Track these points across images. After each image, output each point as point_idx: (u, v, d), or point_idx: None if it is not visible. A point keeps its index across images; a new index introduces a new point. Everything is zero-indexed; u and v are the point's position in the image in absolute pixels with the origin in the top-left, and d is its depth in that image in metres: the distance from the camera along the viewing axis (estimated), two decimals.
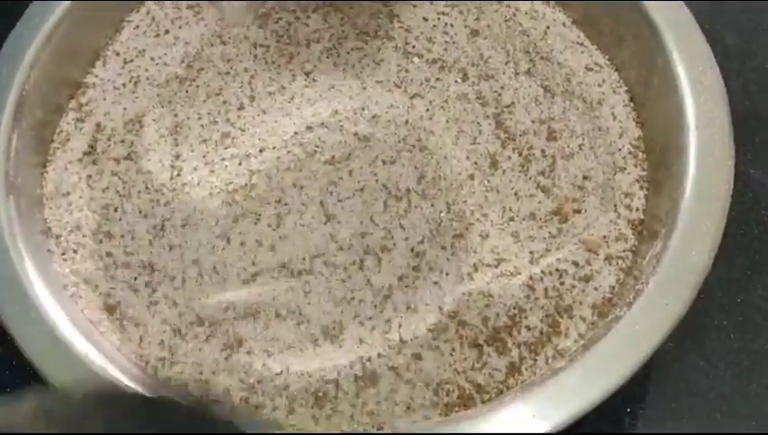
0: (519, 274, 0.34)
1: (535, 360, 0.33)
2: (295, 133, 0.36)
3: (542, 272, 0.34)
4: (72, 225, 0.36)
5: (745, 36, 0.44)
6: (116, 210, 0.36)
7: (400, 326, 0.33)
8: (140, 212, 0.36)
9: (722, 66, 0.36)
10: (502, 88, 0.39)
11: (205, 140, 0.37)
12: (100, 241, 0.35)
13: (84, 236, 0.35)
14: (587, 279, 0.34)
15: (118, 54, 0.40)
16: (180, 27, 0.41)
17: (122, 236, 0.35)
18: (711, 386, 0.36)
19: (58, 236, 0.35)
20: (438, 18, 0.40)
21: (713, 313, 0.38)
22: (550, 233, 0.35)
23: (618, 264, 0.34)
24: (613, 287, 0.34)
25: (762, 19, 0.44)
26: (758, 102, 0.42)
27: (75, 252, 0.35)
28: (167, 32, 0.40)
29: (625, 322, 0.31)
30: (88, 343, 0.32)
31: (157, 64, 0.39)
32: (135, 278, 0.34)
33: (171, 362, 0.33)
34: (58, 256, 0.35)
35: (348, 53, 0.40)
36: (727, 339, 0.37)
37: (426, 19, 0.40)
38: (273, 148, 0.36)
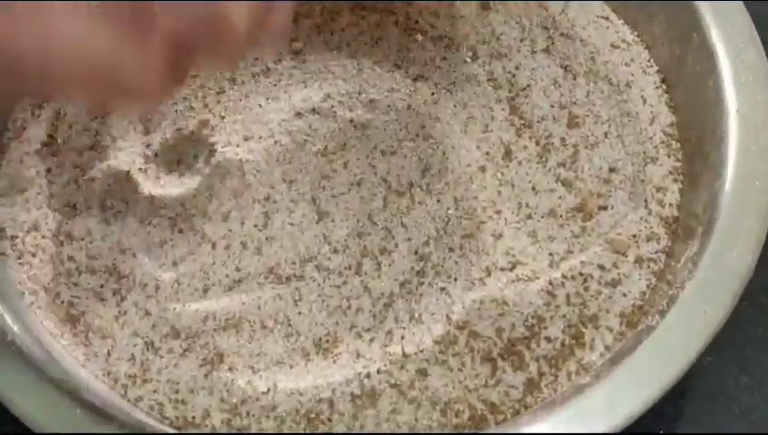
0: (537, 278, 0.35)
1: (556, 376, 0.33)
2: (283, 121, 0.37)
3: (564, 276, 0.35)
4: (30, 224, 0.36)
5: None
6: (78, 208, 0.36)
7: (403, 338, 0.34)
8: (106, 210, 0.36)
9: (765, 42, 0.37)
10: (516, 68, 0.40)
11: (180, 129, 0.38)
12: (62, 243, 0.36)
13: (43, 237, 0.36)
14: (614, 284, 0.35)
15: None
16: None
17: (85, 238, 0.36)
18: (754, 405, 0.37)
19: (13, 238, 0.36)
20: None
21: (757, 321, 0.39)
22: (572, 232, 0.36)
23: (649, 267, 0.35)
24: (644, 293, 0.35)
25: None
26: None
27: (33, 255, 0.36)
28: None
29: (657, 332, 0.31)
30: (48, 358, 0.32)
31: None
32: (101, 285, 0.35)
33: (143, 379, 0.33)
34: (13, 261, 0.35)
35: (342, 29, 0.41)
36: None
37: None
38: (259, 137, 0.37)
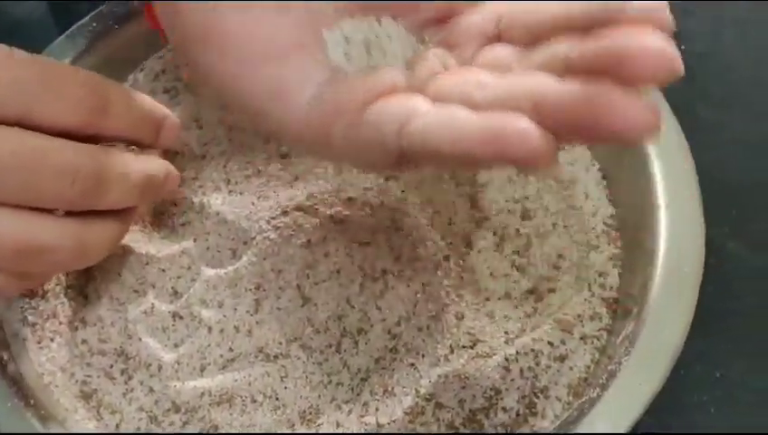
0: (495, 354, 0.35)
1: None
2: (271, 218, 0.38)
3: (518, 352, 0.35)
4: (48, 313, 0.37)
5: (717, 109, 0.47)
6: (90, 298, 0.38)
7: (377, 410, 0.35)
8: (113, 301, 0.37)
9: (695, 139, 0.38)
10: None
11: (183, 225, 0.39)
12: (76, 329, 0.37)
13: (60, 323, 0.37)
14: (562, 359, 0.36)
15: None
16: None
17: (97, 325, 0.37)
18: None
19: (34, 325, 0.37)
20: None
21: (693, 388, 0.39)
22: (525, 312, 0.37)
23: (593, 343, 0.36)
24: (588, 367, 0.36)
25: (734, 91, 0.48)
26: (732, 175, 0.45)
27: (51, 340, 0.37)
28: None
29: (600, 403, 0.32)
30: (64, 431, 0.33)
31: None
32: (111, 365, 0.36)
33: None
34: (34, 344, 0.36)
35: None
36: (708, 415, 0.39)
37: None
38: (252, 237, 0.38)
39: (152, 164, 0.35)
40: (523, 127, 0.23)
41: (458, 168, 0.39)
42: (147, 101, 0.35)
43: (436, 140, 0.25)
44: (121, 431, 0.35)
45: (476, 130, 0.24)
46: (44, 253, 0.31)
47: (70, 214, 0.32)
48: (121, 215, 0.34)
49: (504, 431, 0.34)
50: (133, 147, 0.34)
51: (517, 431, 0.34)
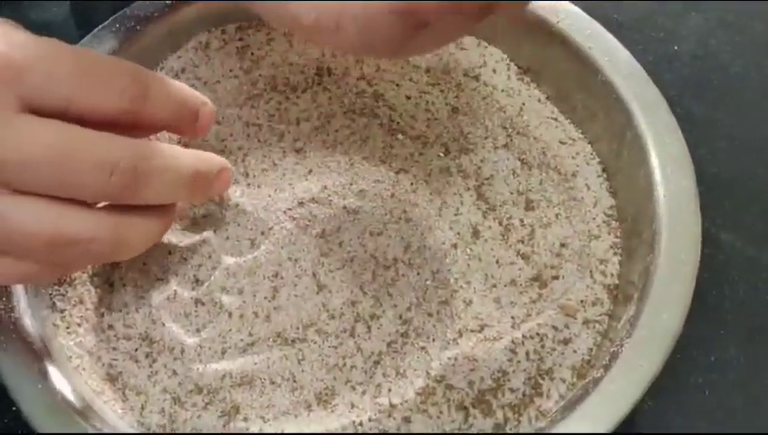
0: (501, 338, 0.36)
1: (519, 421, 0.35)
2: (288, 209, 0.38)
3: (524, 336, 0.36)
4: (76, 299, 0.38)
5: (711, 107, 0.48)
6: (115, 286, 0.38)
7: (390, 391, 0.35)
8: (138, 288, 0.38)
9: (690, 136, 0.39)
10: (482, 161, 0.42)
11: (204, 216, 0.40)
12: (102, 314, 0.38)
13: (87, 309, 0.38)
14: (566, 342, 0.37)
15: None
16: None
17: (122, 310, 0.38)
18: None
19: (62, 311, 0.38)
20: (420, 96, 0.44)
21: (689, 371, 0.40)
22: (530, 298, 0.38)
23: (595, 327, 0.37)
24: (591, 350, 0.37)
25: (727, 89, 0.49)
26: (726, 168, 0.46)
27: (79, 325, 0.37)
28: None
29: (603, 383, 0.33)
30: (92, 412, 0.34)
31: None
32: (136, 349, 0.37)
33: (172, 429, 0.35)
34: (62, 330, 0.37)
35: (336, 130, 0.42)
36: (703, 396, 0.40)
37: (408, 97, 0.43)
38: (269, 228, 0.38)
39: (203, 160, 0.34)
40: None
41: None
42: (185, 89, 0.34)
43: None
44: (145, 418, 0.36)
45: None
46: (77, 244, 0.30)
47: (109, 206, 0.31)
48: (163, 210, 0.33)
49: (511, 411, 0.35)
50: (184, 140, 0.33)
51: (523, 411, 0.35)
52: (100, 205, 0.31)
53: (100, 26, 0.43)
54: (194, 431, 0.35)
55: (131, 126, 0.32)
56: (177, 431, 0.35)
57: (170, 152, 0.32)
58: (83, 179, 0.29)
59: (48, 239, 0.30)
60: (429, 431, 0.34)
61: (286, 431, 0.34)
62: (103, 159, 0.29)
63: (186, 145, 0.41)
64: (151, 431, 0.35)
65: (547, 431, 0.33)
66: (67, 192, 0.30)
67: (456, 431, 0.35)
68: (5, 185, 0.29)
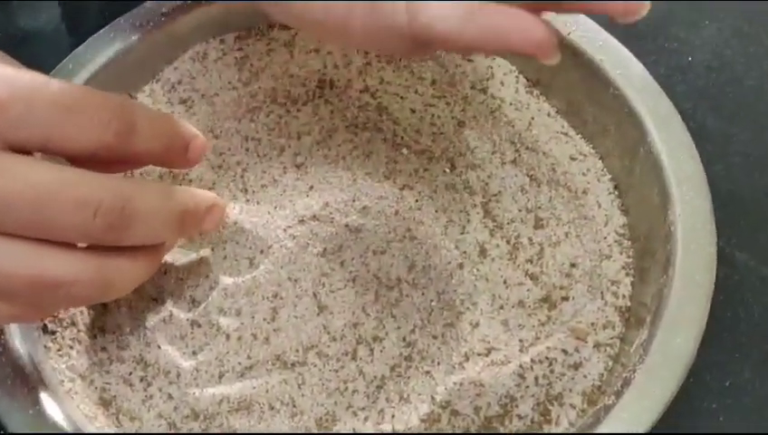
0: (509, 362, 0.35)
1: None
2: (288, 227, 0.37)
3: (532, 360, 0.35)
4: (68, 321, 0.37)
5: (726, 120, 0.47)
6: (109, 307, 0.37)
7: (393, 417, 0.35)
8: (132, 309, 0.37)
9: (704, 151, 0.38)
10: (489, 177, 0.41)
11: (200, 234, 0.38)
12: (95, 336, 0.37)
13: (79, 331, 0.37)
14: (576, 367, 0.36)
15: None
16: None
17: (116, 332, 0.37)
18: None
19: (53, 333, 0.37)
20: (426, 109, 0.43)
21: (702, 396, 0.39)
22: (539, 321, 0.37)
23: (606, 351, 0.36)
24: (602, 375, 0.36)
25: (742, 103, 0.48)
26: (741, 185, 0.45)
27: (71, 348, 0.36)
28: None
29: (615, 410, 0.32)
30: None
31: None
32: (130, 373, 0.36)
33: None
34: (54, 353, 0.36)
35: (338, 145, 0.42)
36: (717, 422, 0.39)
37: (413, 111, 0.43)
38: (269, 246, 0.37)
39: (192, 196, 0.33)
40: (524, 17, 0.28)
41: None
42: (174, 122, 0.33)
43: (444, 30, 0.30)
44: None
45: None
46: (60, 287, 0.29)
47: (93, 247, 0.30)
48: (151, 250, 0.32)
49: None
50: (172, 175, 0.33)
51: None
52: (84, 245, 0.30)
53: (94, 35, 0.42)
54: None
55: (118, 161, 0.31)
56: None
57: (157, 190, 0.31)
58: (65, 220, 0.28)
59: (29, 282, 0.29)
60: None
61: None
62: (86, 199, 0.28)
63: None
64: None
65: None
66: (49, 233, 0.28)
67: None
68: None
